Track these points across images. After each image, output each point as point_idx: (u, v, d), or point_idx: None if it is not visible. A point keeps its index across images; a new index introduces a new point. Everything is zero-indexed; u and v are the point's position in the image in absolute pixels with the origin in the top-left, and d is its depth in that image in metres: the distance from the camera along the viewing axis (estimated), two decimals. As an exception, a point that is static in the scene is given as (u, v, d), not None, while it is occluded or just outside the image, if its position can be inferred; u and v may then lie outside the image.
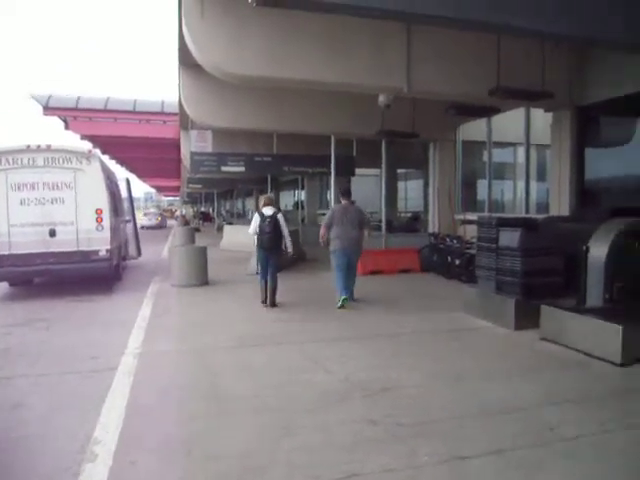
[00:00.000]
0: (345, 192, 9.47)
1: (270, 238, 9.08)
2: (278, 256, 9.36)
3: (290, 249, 9.54)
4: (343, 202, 9.36)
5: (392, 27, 8.96)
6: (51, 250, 10.49)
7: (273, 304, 9.19)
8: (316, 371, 5.73)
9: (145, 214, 52.15)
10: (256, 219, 9.26)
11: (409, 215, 22.31)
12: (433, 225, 15.16)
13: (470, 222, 13.15)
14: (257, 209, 9.49)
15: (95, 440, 4.30)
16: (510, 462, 3.93)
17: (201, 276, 11.73)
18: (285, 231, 9.20)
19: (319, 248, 9.89)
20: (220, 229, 30.96)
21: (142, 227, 48.01)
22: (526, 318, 7.29)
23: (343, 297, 9.02)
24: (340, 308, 8.90)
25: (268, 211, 9.29)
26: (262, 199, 9.60)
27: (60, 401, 5.14)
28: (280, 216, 9.22)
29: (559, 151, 11.11)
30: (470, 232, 12.34)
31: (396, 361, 6.08)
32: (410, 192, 25.56)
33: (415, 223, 19.33)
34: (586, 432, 4.34)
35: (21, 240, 10.38)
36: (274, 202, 9.81)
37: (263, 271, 9.36)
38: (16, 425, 4.66)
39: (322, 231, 9.22)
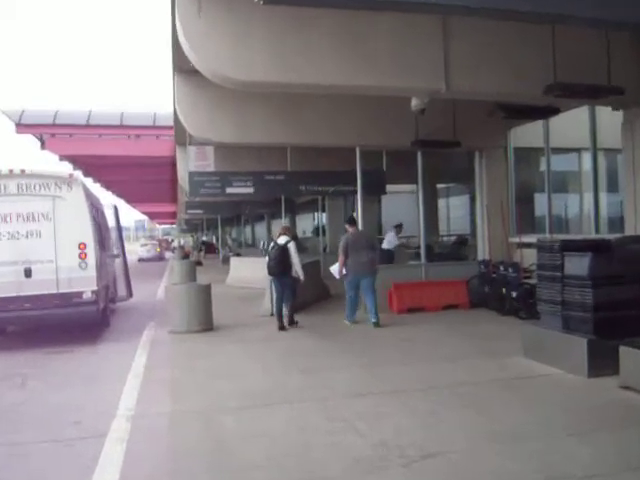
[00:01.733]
0: (351, 220, 12.50)
1: (276, 264, 11.61)
2: (289, 283, 11.79)
3: (301, 277, 11.86)
4: (350, 230, 12.07)
5: (424, 18, 9.07)
6: (26, 293, 10.65)
7: (291, 322, 11.77)
8: (345, 433, 5.71)
9: (142, 245, 53.13)
10: (270, 246, 11.74)
11: (453, 239, 22.26)
12: (483, 250, 15.07)
13: (528, 246, 13.06)
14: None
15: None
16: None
17: (204, 320, 11.81)
18: (295, 259, 11.69)
19: (342, 283, 10.56)
20: (226, 261, 31.17)
21: (140, 259, 49.41)
22: (602, 362, 7.19)
23: (350, 323, 11.80)
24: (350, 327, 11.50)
25: (281, 240, 11.76)
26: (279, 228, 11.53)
27: (35, 478, 5.18)
28: (291, 245, 11.72)
29: (632, 156, 11.03)
30: (528, 258, 12.24)
31: (440, 419, 6.03)
32: (454, 211, 25.52)
33: (461, 249, 19.26)
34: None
35: (-9, 282, 10.56)
36: (290, 231, 12.05)
37: (278, 300, 11.96)
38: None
39: (341, 259, 11.80)
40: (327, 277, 16.80)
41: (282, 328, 11.63)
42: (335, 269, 12.21)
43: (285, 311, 11.92)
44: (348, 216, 13.31)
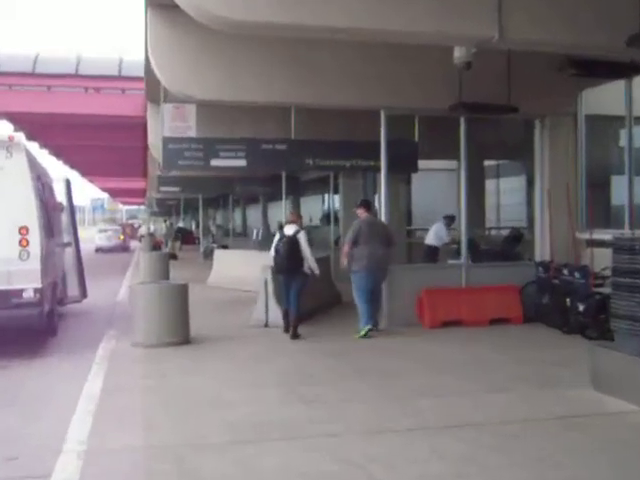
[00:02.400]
0: (365, 204, 13.05)
1: (285, 259, 12.31)
2: (300, 281, 12.40)
3: (316, 271, 12.57)
4: (363, 215, 12.73)
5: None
6: (-50, 291, 10.70)
7: (295, 335, 12.20)
8: (358, 482, 5.73)
9: (101, 231, 53.23)
10: (276, 238, 12.49)
11: (506, 233, 22.20)
12: (541, 249, 15.02)
13: (601, 244, 13.00)
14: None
15: None
16: None
17: (179, 331, 11.85)
18: (306, 252, 12.35)
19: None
20: (208, 255, 31.22)
21: (98, 249, 49.43)
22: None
23: (368, 327, 12.19)
24: (362, 337, 12.08)
25: (289, 230, 12.52)
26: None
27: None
28: (301, 235, 12.38)
29: None
30: (601, 260, 12.18)
31: (479, 468, 6.02)
32: (505, 197, 25.52)
33: (514, 246, 19.19)
34: None
35: None
36: (300, 219, 12.89)
37: (285, 299, 12.61)
38: None
39: (346, 248, 12.43)
40: (340, 278, 16.85)
41: (295, 336, 12.25)
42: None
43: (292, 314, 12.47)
44: (361, 199, 13.65)
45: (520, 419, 7.41)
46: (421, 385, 8.99)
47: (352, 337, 12.21)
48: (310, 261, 12.43)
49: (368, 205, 13.27)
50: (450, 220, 18.98)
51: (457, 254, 15.40)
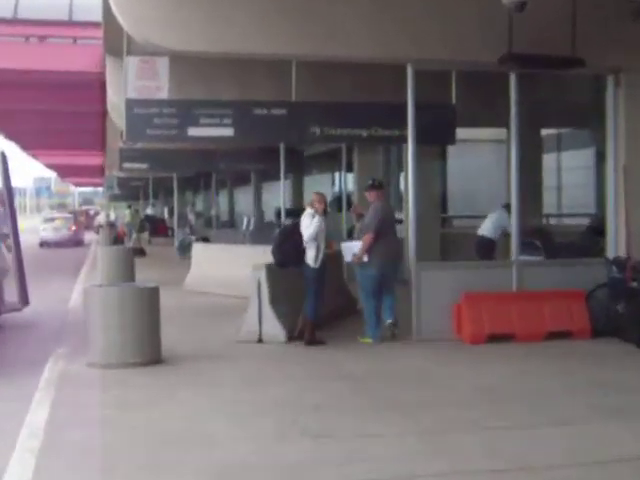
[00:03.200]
0: (377, 185, 13.93)
1: (275, 251, 13.28)
2: (310, 276, 13.07)
3: (311, 262, 13.01)
4: (377, 199, 13.55)
5: None
6: None
7: (309, 341, 13.02)
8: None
9: (47, 220, 53.21)
10: (317, 222, 13.00)
11: (586, 224, 22.08)
12: (616, 242, 14.97)
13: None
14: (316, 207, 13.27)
15: None
16: None
17: (147, 347, 11.85)
18: (305, 234, 12.91)
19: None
20: (185, 250, 31.19)
21: (43, 243, 49.19)
22: None
23: (370, 339, 13.06)
24: (366, 340, 13.01)
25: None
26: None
27: None
28: (304, 216, 13.17)
29: None
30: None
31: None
32: (568, 175, 25.43)
33: (597, 239, 19.01)
34: None
35: None
36: (320, 204, 13.33)
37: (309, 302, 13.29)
38: None
39: (368, 240, 13.05)
40: (353, 278, 16.87)
41: (311, 342, 13.03)
42: (350, 247, 13.46)
43: (308, 318, 13.22)
44: (373, 178, 14.59)
45: (591, 461, 7.37)
46: (459, 416, 8.97)
47: (368, 352, 12.43)
48: (308, 248, 13.03)
49: (380, 186, 13.93)
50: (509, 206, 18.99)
51: (528, 249, 15.36)
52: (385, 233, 13.28)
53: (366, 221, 13.33)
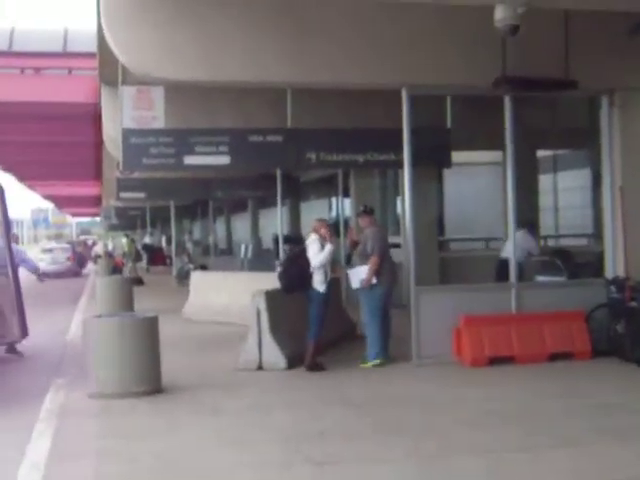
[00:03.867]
0: (370, 209, 14.33)
1: (282, 277, 13.43)
2: (316, 300, 13.21)
3: (318, 287, 13.22)
4: (370, 224, 13.88)
5: None
6: None
7: (310, 366, 13.13)
8: None
9: (45, 251, 53.18)
10: (329, 250, 13.30)
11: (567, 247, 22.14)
12: (614, 262, 14.97)
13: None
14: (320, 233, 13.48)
15: None
16: None
17: (147, 376, 11.81)
18: (314, 261, 13.09)
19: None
20: (183, 278, 31.19)
21: (40, 275, 48.68)
22: None
23: (379, 361, 13.19)
24: (373, 365, 13.15)
25: (309, 241, 13.58)
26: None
27: None
28: (311, 241, 13.37)
29: None
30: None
31: None
32: (565, 196, 25.44)
33: (592, 263, 19.08)
34: None
35: None
36: (324, 228, 13.59)
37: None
38: None
39: (376, 263, 13.28)
40: (354, 304, 16.89)
41: (312, 368, 13.15)
42: (357, 273, 13.49)
43: (310, 343, 13.34)
44: (364, 205, 14.88)
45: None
46: (461, 441, 8.95)
47: (369, 377, 12.47)
48: (316, 272, 13.21)
49: (372, 212, 14.45)
50: (532, 228, 19.02)
51: (549, 269, 15.40)
52: (387, 255, 13.69)
53: (370, 245, 13.45)
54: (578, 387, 11.60)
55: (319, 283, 13.23)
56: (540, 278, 16.79)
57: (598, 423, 9.48)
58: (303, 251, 13.50)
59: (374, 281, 13.31)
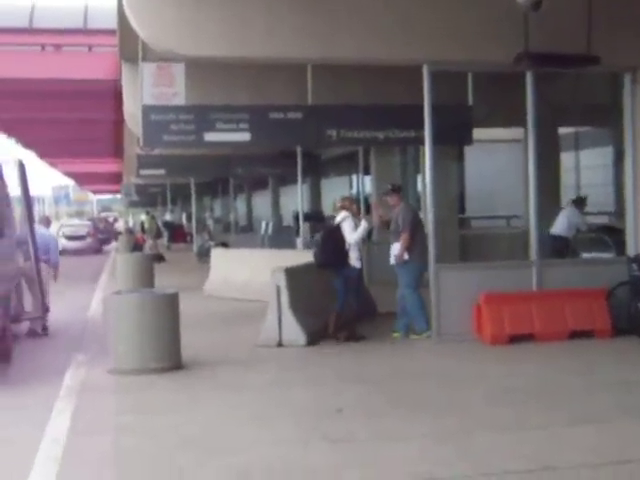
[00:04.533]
0: (398, 187, 14.78)
1: (319, 252, 13.92)
2: (342, 276, 13.67)
3: (355, 263, 13.73)
4: (396, 201, 14.12)
5: None
6: None
7: (334, 334, 13.70)
8: None
9: (66, 226, 53.12)
10: (364, 227, 13.96)
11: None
12: (636, 240, 14.90)
13: None
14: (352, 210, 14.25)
15: None
16: None
17: (168, 353, 11.84)
18: (350, 238, 13.55)
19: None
20: (204, 256, 31.24)
21: (63, 251, 48.47)
22: None
23: (428, 333, 13.41)
24: (427, 336, 13.40)
25: (339, 218, 14.00)
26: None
27: None
28: (346, 223, 13.68)
29: None
30: None
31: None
32: (587, 174, 25.30)
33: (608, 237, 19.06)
34: None
35: None
36: (352, 204, 14.39)
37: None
38: None
39: (406, 240, 13.55)
40: (374, 281, 16.85)
41: (349, 338, 13.64)
42: (393, 249, 13.78)
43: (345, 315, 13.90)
44: (392, 184, 15.29)
45: (613, 459, 7.33)
46: (481, 418, 8.95)
47: (388, 353, 12.71)
48: (352, 249, 13.69)
49: (399, 190, 14.74)
50: (582, 203, 19.03)
51: (598, 245, 15.38)
52: (419, 230, 14.03)
53: (400, 222, 13.73)
54: (598, 365, 11.56)
55: (355, 259, 13.71)
56: (587, 255, 16.83)
57: (618, 400, 9.45)
58: (338, 228, 13.77)
59: (406, 257, 13.55)
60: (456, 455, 7.62)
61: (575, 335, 13.19)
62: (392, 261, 13.78)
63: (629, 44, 14.02)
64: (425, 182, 14.78)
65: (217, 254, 24.65)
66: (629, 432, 8.18)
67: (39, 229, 16.05)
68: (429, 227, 13.87)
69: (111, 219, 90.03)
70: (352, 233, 13.62)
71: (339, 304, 13.80)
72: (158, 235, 46.54)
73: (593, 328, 13.34)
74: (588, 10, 12.97)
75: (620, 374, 10.89)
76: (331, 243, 13.72)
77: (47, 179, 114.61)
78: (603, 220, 24.07)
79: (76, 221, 64.65)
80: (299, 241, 26.00)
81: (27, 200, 15.42)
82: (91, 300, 21.89)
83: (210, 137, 16.64)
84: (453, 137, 17.17)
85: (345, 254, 13.61)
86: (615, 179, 23.39)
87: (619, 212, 20.35)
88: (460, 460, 7.45)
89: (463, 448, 7.84)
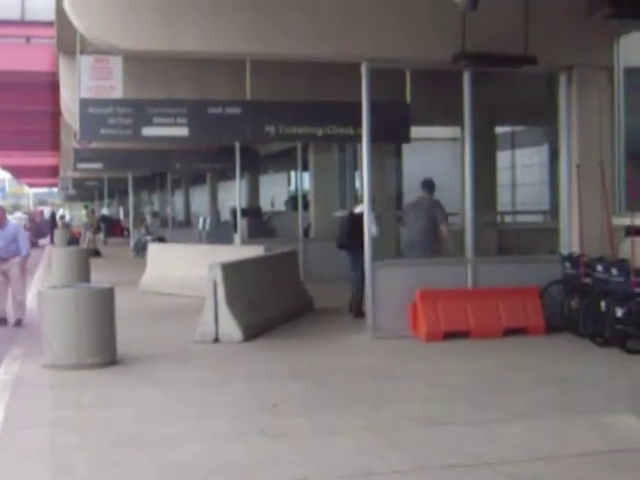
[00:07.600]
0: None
1: (346, 235, 15.53)
2: (358, 259, 14.61)
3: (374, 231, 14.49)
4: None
5: None
6: None
7: (358, 313, 14.90)
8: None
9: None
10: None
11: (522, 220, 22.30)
12: (569, 239, 15.08)
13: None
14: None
15: None
16: None
17: (103, 348, 11.77)
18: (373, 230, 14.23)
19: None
20: (141, 250, 31.07)
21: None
22: None
23: None
24: None
25: (358, 209, 15.49)
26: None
27: None
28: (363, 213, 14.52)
29: None
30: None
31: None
32: (523, 173, 25.56)
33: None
34: None
35: None
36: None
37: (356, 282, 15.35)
38: None
39: (446, 230, 15.09)
40: (312, 278, 16.89)
41: (360, 314, 14.79)
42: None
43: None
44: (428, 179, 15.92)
45: (545, 455, 7.42)
46: (414, 413, 8.99)
47: (324, 350, 12.66)
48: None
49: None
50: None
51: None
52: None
53: (438, 214, 15.24)
54: (531, 362, 11.65)
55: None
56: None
57: (551, 397, 9.55)
58: (360, 217, 14.57)
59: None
60: (390, 449, 7.67)
61: (509, 332, 13.29)
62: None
63: (565, 44, 14.19)
64: (362, 179, 14.80)
65: (154, 249, 24.50)
66: (562, 428, 8.26)
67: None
68: (366, 224, 13.88)
69: (49, 211, 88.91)
70: (372, 224, 14.30)
71: (356, 286, 15.13)
72: (97, 230, 46.14)
73: (527, 325, 13.45)
74: (525, 10, 13.10)
75: (553, 371, 10.99)
76: (355, 229, 14.62)
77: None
78: (537, 219, 24.39)
79: (17, 214, 63.85)
80: (237, 237, 25.89)
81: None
82: (27, 294, 21.64)
83: (148, 131, 16.51)
84: (391, 135, 17.16)
85: (362, 240, 14.00)
86: (550, 178, 23.61)
87: (553, 211, 20.51)
88: (394, 454, 7.51)
89: (397, 443, 7.90)
